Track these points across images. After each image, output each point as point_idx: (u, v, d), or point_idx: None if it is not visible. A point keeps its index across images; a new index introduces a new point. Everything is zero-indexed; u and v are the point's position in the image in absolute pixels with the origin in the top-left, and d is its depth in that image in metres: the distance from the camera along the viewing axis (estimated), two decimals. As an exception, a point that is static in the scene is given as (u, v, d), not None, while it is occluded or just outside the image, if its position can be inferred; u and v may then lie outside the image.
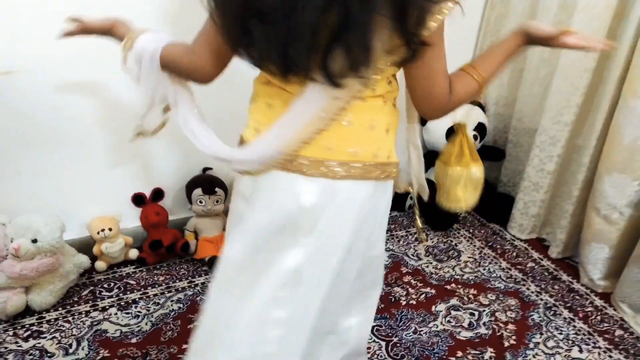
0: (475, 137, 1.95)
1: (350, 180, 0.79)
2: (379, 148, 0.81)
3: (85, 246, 1.60)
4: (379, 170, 0.81)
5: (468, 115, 1.98)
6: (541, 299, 1.63)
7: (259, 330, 0.83)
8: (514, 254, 1.87)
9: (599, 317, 1.57)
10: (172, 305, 1.50)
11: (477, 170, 1.47)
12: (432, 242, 1.93)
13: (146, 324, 1.42)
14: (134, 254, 1.65)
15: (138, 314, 1.46)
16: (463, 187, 1.44)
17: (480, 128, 1.98)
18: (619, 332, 1.51)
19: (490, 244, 1.94)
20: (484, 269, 1.77)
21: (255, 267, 0.82)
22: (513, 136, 2.03)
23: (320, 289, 0.84)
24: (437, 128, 1.97)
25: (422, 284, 1.67)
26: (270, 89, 0.81)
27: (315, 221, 0.79)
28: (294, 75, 0.71)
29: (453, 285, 1.68)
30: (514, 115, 1.99)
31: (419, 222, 1.19)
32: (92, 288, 1.55)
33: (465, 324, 1.49)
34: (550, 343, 1.45)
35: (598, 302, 1.64)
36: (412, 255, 1.83)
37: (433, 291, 1.63)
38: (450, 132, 1.94)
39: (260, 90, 0.84)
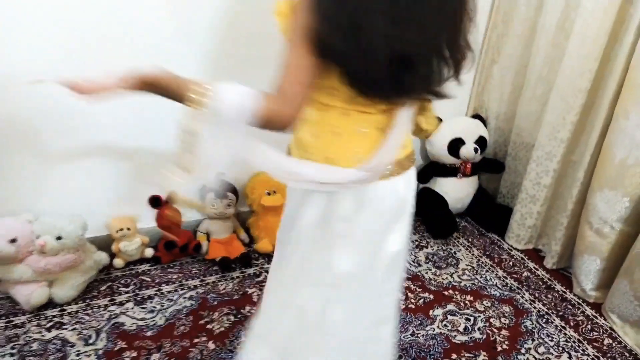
0: (475, 150, 2.03)
1: (411, 169, 0.96)
2: (407, 141, 0.95)
3: (104, 244, 1.70)
4: (413, 158, 0.97)
5: (469, 129, 2.07)
6: (534, 307, 1.71)
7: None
8: (511, 263, 1.95)
9: (589, 326, 1.65)
10: (184, 302, 1.59)
11: None
12: (432, 249, 2.01)
13: (160, 319, 1.51)
14: (149, 252, 1.75)
15: (153, 309, 1.55)
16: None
17: (481, 141, 2.07)
18: (607, 341, 1.59)
19: (488, 253, 2.02)
20: (481, 277, 1.85)
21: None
22: (512, 150, 2.11)
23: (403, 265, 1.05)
24: (439, 140, 2.06)
25: (421, 289, 1.75)
26: (343, 115, 0.86)
27: (405, 207, 0.97)
28: (402, 99, 0.87)
29: (451, 291, 1.76)
30: (513, 130, 2.08)
31: None
32: (110, 283, 1.64)
33: (461, 329, 1.57)
34: (541, 349, 1.52)
35: (589, 311, 1.71)
36: (413, 261, 1.91)
37: (431, 296, 1.72)
38: (454, 144, 2.04)
39: (327, 117, 0.86)
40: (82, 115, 1.54)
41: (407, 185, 0.96)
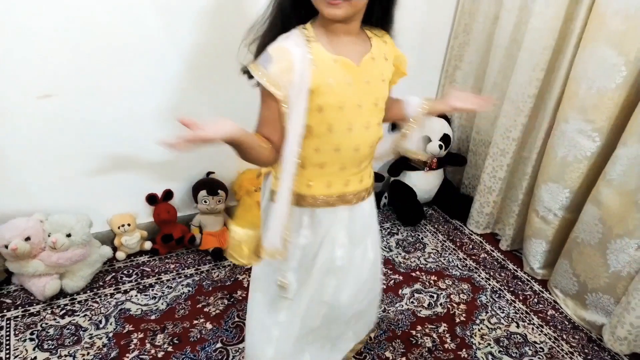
0: (440, 147, 2.26)
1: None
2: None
3: (106, 238, 1.87)
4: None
5: (434, 127, 2.29)
6: (489, 284, 1.96)
7: None
8: (470, 246, 2.21)
9: (536, 300, 1.91)
10: (182, 289, 1.78)
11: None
12: (402, 235, 2.25)
13: (162, 304, 1.70)
14: (148, 245, 1.93)
15: (155, 295, 1.74)
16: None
17: (445, 138, 2.29)
18: (551, 312, 1.85)
19: (451, 237, 2.27)
20: (444, 259, 2.10)
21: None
22: (473, 145, 2.35)
23: None
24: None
25: (392, 272, 1.98)
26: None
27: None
28: None
29: (417, 272, 1.99)
30: (474, 129, 2.31)
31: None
32: (114, 274, 1.82)
33: (426, 305, 1.81)
34: (493, 320, 1.78)
35: (536, 287, 1.98)
36: (385, 247, 2.14)
37: (401, 278, 1.95)
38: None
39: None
40: (84, 123, 1.68)
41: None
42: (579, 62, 1.67)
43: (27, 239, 1.58)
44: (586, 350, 1.67)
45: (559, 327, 1.77)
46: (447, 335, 1.68)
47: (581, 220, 1.77)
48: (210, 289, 1.79)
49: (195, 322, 1.63)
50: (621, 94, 1.60)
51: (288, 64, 0.90)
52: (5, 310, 1.61)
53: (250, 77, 0.95)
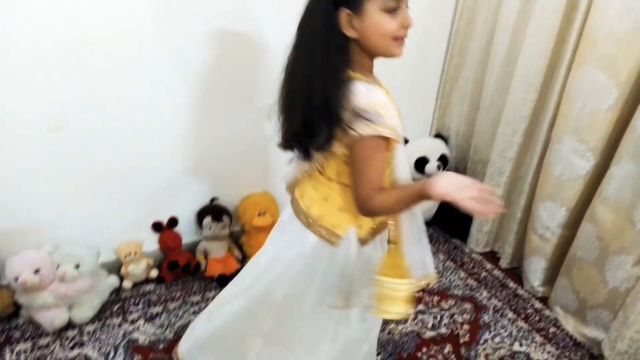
0: (439, 167, 2.30)
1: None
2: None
3: (113, 267, 1.89)
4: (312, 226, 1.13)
5: (432, 148, 2.34)
6: (491, 303, 1.99)
7: None
8: (471, 265, 2.23)
9: (537, 317, 1.94)
10: (189, 317, 1.79)
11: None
12: (404, 255, 2.27)
13: (170, 333, 1.72)
14: (154, 273, 1.95)
15: (162, 324, 1.75)
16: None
17: (443, 159, 2.34)
18: (552, 329, 1.88)
19: (452, 257, 2.29)
20: (446, 279, 2.12)
21: None
22: (471, 164, 2.39)
23: None
24: (407, 157, 2.32)
25: (395, 293, 2.01)
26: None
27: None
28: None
29: (420, 293, 2.02)
30: (471, 148, 2.36)
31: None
32: (121, 303, 1.84)
33: (429, 325, 1.84)
34: (497, 339, 1.80)
35: (538, 305, 2.00)
36: (387, 268, 2.17)
37: (404, 298, 1.98)
38: (419, 163, 2.30)
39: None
40: (89, 153, 1.72)
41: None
42: (572, 84, 1.72)
43: (37, 271, 1.60)
44: (589, 367, 1.70)
45: (561, 345, 1.80)
46: (453, 356, 1.70)
47: (579, 238, 1.81)
48: (217, 315, 1.80)
49: (203, 349, 1.65)
50: (613, 114, 1.65)
51: (389, 107, 0.96)
52: (15, 344, 1.62)
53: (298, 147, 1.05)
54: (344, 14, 0.92)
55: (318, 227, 1.11)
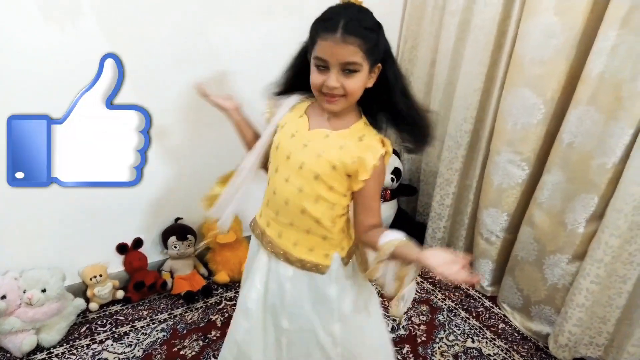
0: (392, 179, 2.46)
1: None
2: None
3: (78, 290, 1.91)
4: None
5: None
6: (445, 304, 2.13)
7: None
8: (426, 269, 2.37)
9: (487, 315, 2.09)
10: (157, 334, 1.84)
11: None
12: (364, 264, 2.40)
13: (138, 351, 1.75)
14: (120, 294, 1.97)
15: (130, 343, 1.79)
16: None
17: (396, 171, 2.49)
18: (501, 326, 2.04)
19: (408, 263, 2.43)
20: (404, 284, 2.25)
21: None
22: (423, 176, 2.56)
23: None
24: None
25: (356, 300, 2.12)
26: None
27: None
28: None
29: (379, 299, 2.13)
30: (423, 160, 2.53)
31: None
32: (88, 325, 1.85)
33: (389, 328, 1.96)
34: (451, 337, 1.94)
35: (487, 303, 2.17)
36: (348, 277, 2.28)
37: (365, 305, 2.09)
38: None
39: None
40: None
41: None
42: (505, 102, 1.91)
43: (3, 297, 1.61)
44: (535, 359, 1.86)
45: (510, 339, 1.96)
46: (411, 355, 1.82)
47: (519, 240, 1.99)
48: (185, 331, 1.86)
49: (172, 365, 1.70)
50: (542, 128, 1.84)
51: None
52: (-20, 371, 1.62)
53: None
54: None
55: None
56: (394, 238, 1.05)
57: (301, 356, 1.26)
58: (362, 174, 1.06)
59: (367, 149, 1.06)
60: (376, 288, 1.33)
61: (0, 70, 1.52)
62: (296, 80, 1.16)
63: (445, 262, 0.95)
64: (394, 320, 1.99)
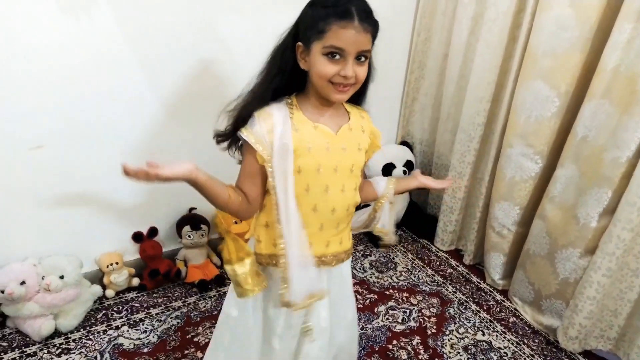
0: (404, 172, 2.46)
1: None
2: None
3: (95, 277, 1.96)
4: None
5: (398, 155, 2.49)
6: (456, 297, 2.14)
7: None
8: (438, 262, 2.39)
9: (498, 308, 2.10)
10: (171, 321, 1.88)
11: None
12: (375, 257, 2.41)
13: (153, 337, 1.80)
14: (136, 281, 2.02)
15: (145, 329, 1.83)
16: None
17: (409, 164, 2.50)
18: (512, 319, 2.04)
19: (420, 256, 2.45)
20: (415, 276, 2.27)
21: None
22: (435, 169, 2.56)
23: None
24: (374, 165, 2.46)
25: (367, 291, 2.14)
26: None
27: None
28: None
29: (391, 290, 2.16)
30: (435, 154, 2.53)
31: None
32: (105, 311, 1.90)
33: (400, 320, 1.97)
34: (462, 330, 1.95)
35: (498, 297, 2.17)
36: (359, 269, 2.30)
37: (375, 296, 2.11)
38: (387, 168, 2.45)
39: None
40: (70, 168, 1.79)
41: None
42: (518, 95, 1.90)
43: (22, 282, 1.66)
44: (545, 352, 1.86)
45: (520, 333, 1.96)
46: (421, 347, 1.84)
47: (531, 234, 1.98)
48: (199, 319, 1.89)
49: (186, 352, 1.73)
50: (556, 121, 1.83)
51: (270, 126, 1.01)
52: (2, 354, 1.67)
53: (220, 141, 1.11)
54: (299, 47, 1.01)
55: None
56: (386, 181, 1.27)
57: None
58: (378, 140, 1.21)
59: (368, 120, 1.18)
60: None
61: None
62: (283, 83, 1.06)
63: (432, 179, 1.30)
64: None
